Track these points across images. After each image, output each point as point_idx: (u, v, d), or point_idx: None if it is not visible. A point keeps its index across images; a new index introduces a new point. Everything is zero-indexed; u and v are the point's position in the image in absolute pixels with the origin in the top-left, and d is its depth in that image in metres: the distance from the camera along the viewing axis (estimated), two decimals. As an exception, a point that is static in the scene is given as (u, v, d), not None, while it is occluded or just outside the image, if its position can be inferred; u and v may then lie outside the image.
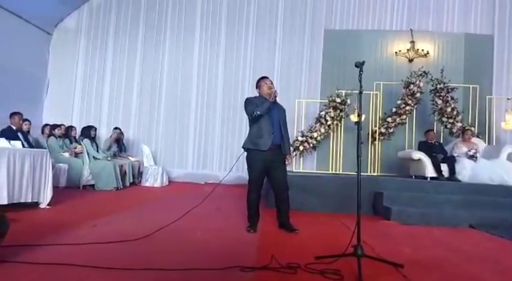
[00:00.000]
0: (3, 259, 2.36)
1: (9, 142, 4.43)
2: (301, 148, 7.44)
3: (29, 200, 4.35)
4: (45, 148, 5.79)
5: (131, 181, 7.58)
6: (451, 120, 7.26)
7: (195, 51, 9.12)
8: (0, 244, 2.32)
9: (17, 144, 4.63)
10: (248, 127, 3.95)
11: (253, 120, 3.75)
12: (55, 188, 5.02)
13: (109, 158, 7.12)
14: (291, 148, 7.38)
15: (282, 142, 3.84)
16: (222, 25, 9.10)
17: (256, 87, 3.97)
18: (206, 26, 9.13)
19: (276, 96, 3.78)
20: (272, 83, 3.92)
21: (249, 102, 3.84)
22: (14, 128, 5.78)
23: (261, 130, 3.74)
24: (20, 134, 5.73)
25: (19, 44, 7.95)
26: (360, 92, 2.94)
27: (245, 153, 3.86)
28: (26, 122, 6.35)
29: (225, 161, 8.77)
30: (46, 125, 7.31)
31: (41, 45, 8.85)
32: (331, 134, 7.69)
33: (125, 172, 7.35)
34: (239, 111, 8.74)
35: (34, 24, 8.37)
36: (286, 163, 3.94)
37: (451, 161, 6.29)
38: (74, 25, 9.28)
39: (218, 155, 8.91)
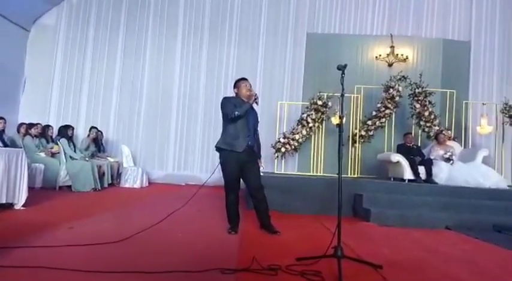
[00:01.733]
0: (-26, 262, 2.28)
1: (-17, 141, 4.29)
2: (282, 149, 7.46)
3: (3, 201, 4.21)
4: (21, 148, 5.62)
5: (110, 182, 7.44)
6: (428, 124, 7.42)
7: (177, 51, 9.05)
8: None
9: (-9, 143, 4.49)
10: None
11: (231, 120, 3.71)
12: (30, 188, 4.88)
13: (87, 159, 6.97)
14: (273, 150, 7.43)
15: (254, 144, 3.84)
16: (205, 26, 9.07)
17: (234, 88, 3.94)
18: (189, 27, 9.08)
19: (257, 99, 3.77)
20: (251, 86, 3.91)
21: (227, 101, 3.80)
22: (-12, 126, 5.60)
23: (237, 132, 3.71)
24: (-6, 133, 5.55)
25: (-5, 40, 7.72)
26: (342, 95, 2.97)
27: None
28: (1, 121, 6.15)
29: (206, 163, 8.73)
30: (22, 124, 7.10)
31: (18, 42, 8.61)
32: (313, 136, 7.75)
33: (104, 172, 7.21)
34: (221, 114, 8.69)
35: (11, 20, 8.14)
36: (261, 167, 3.95)
37: (428, 163, 6.43)
38: (53, 22, 9.07)
39: (199, 157, 8.85)
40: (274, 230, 3.77)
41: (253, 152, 3.84)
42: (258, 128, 4.00)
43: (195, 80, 9.00)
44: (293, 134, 7.52)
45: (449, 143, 6.96)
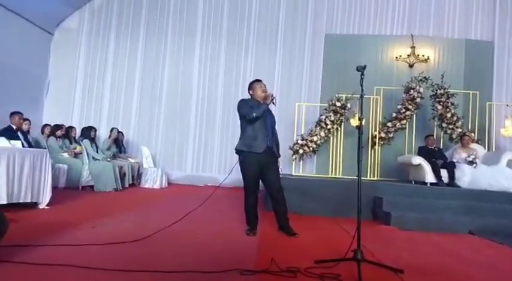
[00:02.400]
0: (1, 259, 2.35)
1: (9, 142, 4.41)
2: (300, 151, 7.42)
3: (28, 200, 4.34)
4: (45, 148, 5.78)
5: (130, 182, 7.57)
6: (450, 126, 7.26)
7: (196, 53, 9.14)
8: (-2, 244, 2.31)
9: (17, 144, 4.61)
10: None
11: (248, 122, 3.73)
12: (54, 188, 5.02)
13: (108, 159, 7.11)
14: (291, 151, 7.40)
15: (273, 144, 3.84)
16: (223, 28, 9.14)
17: (249, 90, 3.95)
18: (207, 29, 9.16)
19: (274, 99, 3.77)
20: (266, 86, 3.90)
21: (243, 103, 3.81)
22: (14, 127, 5.76)
23: (255, 133, 3.72)
24: (20, 134, 5.71)
25: (20, 44, 7.96)
26: (361, 96, 2.94)
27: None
28: (26, 122, 6.33)
29: (224, 164, 8.77)
30: (46, 125, 7.30)
31: (42, 45, 8.86)
32: (331, 138, 7.69)
33: (124, 173, 7.34)
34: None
35: (36, 24, 8.39)
36: (280, 167, 3.95)
37: (451, 166, 6.28)
38: (76, 25, 9.30)
39: (217, 158, 8.91)
40: (293, 232, 3.76)
41: (273, 153, 3.83)
42: (276, 128, 4.00)
43: (213, 82, 9.07)
44: (311, 136, 7.47)
45: (473, 145, 6.79)
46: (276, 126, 4.00)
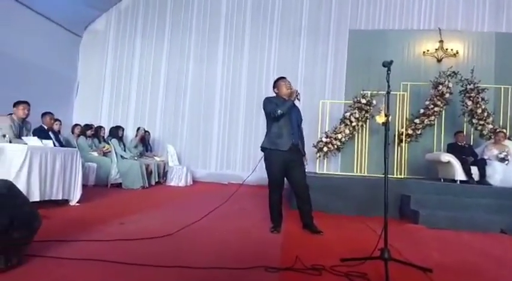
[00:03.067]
0: (35, 254, 2.45)
1: (41, 141, 4.57)
2: (325, 149, 7.36)
3: (60, 198, 4.48)
4: (75, 147, 5.96)
5: (156, 180, 7.71)
6: (481, 122, 7.02)
7: (219, 52, 9.21)
8: (32, 239, 2.40)
9: (49, 143, 4.75)
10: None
11: (274, 119, 3.74)
12: (84, 186, 5.16)
13: (135, 158, 7.27)
14: (315, 149, 7.34)
15: (298, 142, 3.82)
16: (246, 25, 9.15)
17: (274, 88, 3.96)
18: (230, 27, 9.20)
19: (298, 95, 3.76)
20: (290, 83, 3.89)
21: (268, 101, 3.83)
22: (46, 127, 5.97)
23: (280, 130, 3.73)
24: (51, 134, 5.92)
25: (51, 47, 8.23)
26: (388, 92, 2.88)
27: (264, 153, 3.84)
28: (57, 122, 6.56)
29: (247, 162, 8.79)
30: (76, 125, 7.52)
31: (71, 47, 9.13)
32: (356, 135, 7.59)
33: (151, 171, 7.49)
34: (262, 113, 8.72)
35: (64, 27, 8.64)
36: (305, 163, 3.94)
37: (482, 164, 6.08)
38: (103, 27, 9.54)
39: (241, 156, 8.95)
40: (317, 230, 3.74)
41: (298, 151, 3.82)
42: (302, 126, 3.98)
43: (237, 81, 9.12)
44: (336, 134, 7.39)
45: (505, 142, 6.55)
46: (302, 122, 3.99)
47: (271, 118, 3.76)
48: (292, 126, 3.76)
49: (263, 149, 3.82)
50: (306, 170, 3.98)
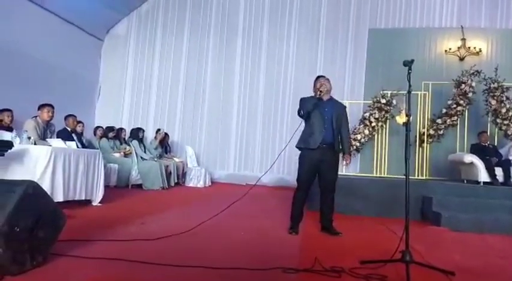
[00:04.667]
0: (59, 253, 2.51)
1: (65, 143, 4.68)
2: (344, 150, 7.28)
3: (83, 198, 4.59)
4: (97, 149, 6.09)
5: (175, 181, 7.79)
6: (506, 122, 6.81)
7: (237, 54, 9.24)
8: (57, 239, 2.46)
9: (72, 145, 4.86)
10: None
11: (304, 118, 3.76)
12: (106, 187, 5.25)
13: (155, 159, 7.37)
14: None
15: (334, 139, 3.75)
16: (264, 25, 9.16)
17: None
18: (249, 26, 9.22)
19: (321, 92, 3.72)
20: (327, 81, 3.84)
21: (300, 101, 3.86)
22: (69, 129, 6.11)
23: (312, 128, 3.73)
24: (74, 135, 6.05)
25: (73, 50, 8.42)
26: (409, 92, 2.84)
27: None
28: (80, 124, 6.72)
29: (265, 163, 8.76)
30: (98, 127, 7.68)
31: (93, 51, 9.33)
32: (376, 136, 7.49)
33: (170, 172, 7.58)
34: (280, 114, 8.78)
35: (86, 31, 8.84)
36: (345, 162, 3.91)
37: (506, 164, 5.90)
38: (124, 31, 9.72)
39: (259, 157, 8.95)
40: (336, 232, 3.72)
41: (331, 149, 3.76)
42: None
43: (255, 81, 9.12)
44: (355, 134, 7.31)
45: (531, 142, 6.35)
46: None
47: (303, 118, 3.77)
48: (325, 121, 3.72)
49: (297, 147, 3.85)
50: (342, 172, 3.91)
